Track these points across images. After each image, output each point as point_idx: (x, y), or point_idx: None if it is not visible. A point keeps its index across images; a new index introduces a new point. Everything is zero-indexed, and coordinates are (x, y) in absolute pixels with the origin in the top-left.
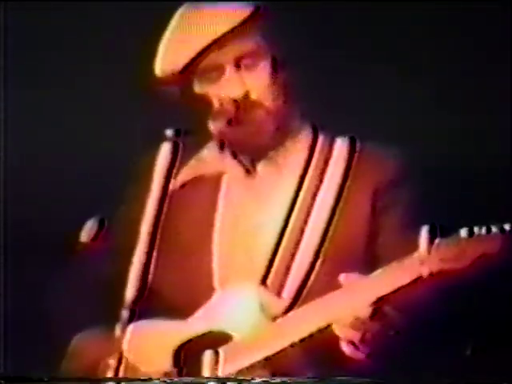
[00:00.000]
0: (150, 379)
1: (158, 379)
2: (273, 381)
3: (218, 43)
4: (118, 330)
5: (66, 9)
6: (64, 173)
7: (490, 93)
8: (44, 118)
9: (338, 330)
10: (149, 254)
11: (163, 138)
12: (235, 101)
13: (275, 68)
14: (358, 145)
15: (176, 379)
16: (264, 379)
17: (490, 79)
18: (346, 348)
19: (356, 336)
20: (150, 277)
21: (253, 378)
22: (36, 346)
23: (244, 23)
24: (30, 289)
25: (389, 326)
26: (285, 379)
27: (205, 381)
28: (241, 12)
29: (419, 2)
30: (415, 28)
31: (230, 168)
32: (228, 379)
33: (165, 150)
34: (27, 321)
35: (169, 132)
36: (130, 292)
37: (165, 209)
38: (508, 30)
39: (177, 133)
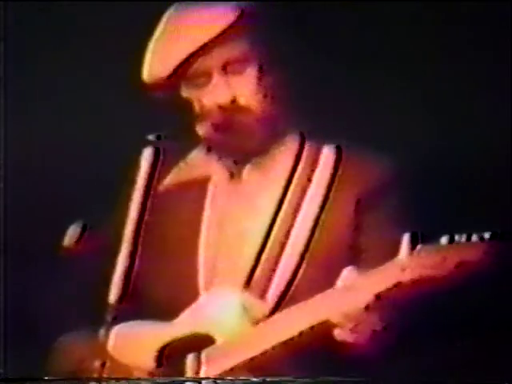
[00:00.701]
0: (138, 379)
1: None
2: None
3: (204, 49)
4: (102, 331)
5: (55, 11)
6: (51, 177)
7: (477, 103)
8: (33, 123)
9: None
10: (133, 257)
11: (148, 143)
12: (222, 106)
13: (262, 73)
14: (343, 152)
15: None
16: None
17: (480, 89)
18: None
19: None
20: (135, 279)
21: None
22: (22, 349)
23: (230, 28)
24: (17, 292)
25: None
26: (277, 379)
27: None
28: (227, 17)
29: (412, 8)
30: (405, 33)
31: (217, 172)
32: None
33: (147, 154)
34: (13, 324)
35: (151, 137)
36: (114, 294)
37: (148, 211)
38: (508, 33)
39: (158, 138)
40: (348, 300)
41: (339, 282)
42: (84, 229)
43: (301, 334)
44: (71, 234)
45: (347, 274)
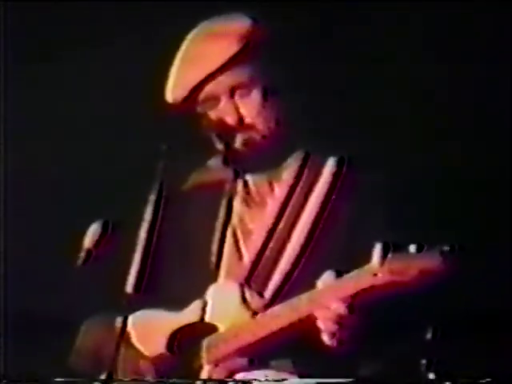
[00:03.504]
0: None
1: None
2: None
3: (214, 76)
4: (120, 319)
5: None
6: (68, 177)
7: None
8: (49, 121)
9: (320, 321)
10: (149, 254)
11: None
12: (231, 124)
13: (266, 96)
14: (344, 166)
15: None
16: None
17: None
18: (324, 336)
19: (333, 327)
20: (153, 273)
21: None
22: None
23: (237, 57)
24: (34, 287)
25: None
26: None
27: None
28: (235, 46)
29: (406, 26)
30: (400, 53)
31: (231, 180)
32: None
33: (161, 162)
34: (29, 320)
35: (163, 146)
36: (131, 285)
37: (164, 211)
38: (508, 45)
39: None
40: (326, 299)
41: (319, 283)
42: (105, 228)
43: (292, 324)
44: (92, 235)
45: (326, 275)
